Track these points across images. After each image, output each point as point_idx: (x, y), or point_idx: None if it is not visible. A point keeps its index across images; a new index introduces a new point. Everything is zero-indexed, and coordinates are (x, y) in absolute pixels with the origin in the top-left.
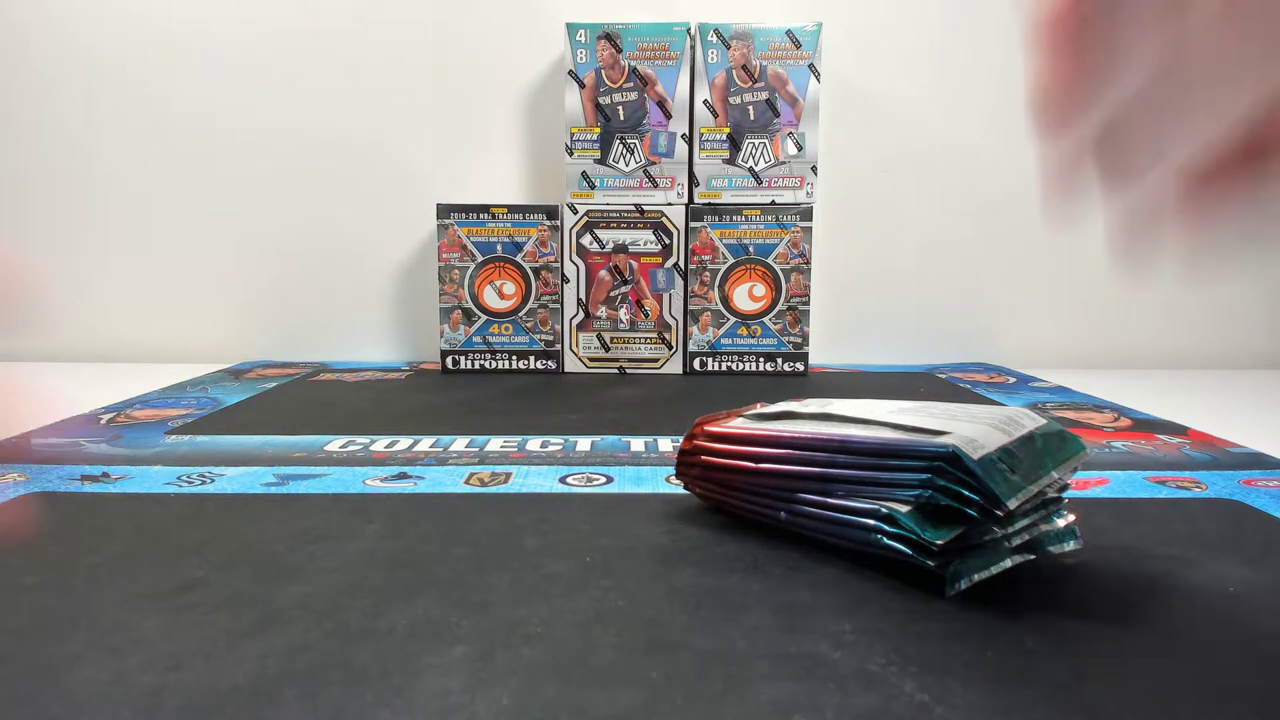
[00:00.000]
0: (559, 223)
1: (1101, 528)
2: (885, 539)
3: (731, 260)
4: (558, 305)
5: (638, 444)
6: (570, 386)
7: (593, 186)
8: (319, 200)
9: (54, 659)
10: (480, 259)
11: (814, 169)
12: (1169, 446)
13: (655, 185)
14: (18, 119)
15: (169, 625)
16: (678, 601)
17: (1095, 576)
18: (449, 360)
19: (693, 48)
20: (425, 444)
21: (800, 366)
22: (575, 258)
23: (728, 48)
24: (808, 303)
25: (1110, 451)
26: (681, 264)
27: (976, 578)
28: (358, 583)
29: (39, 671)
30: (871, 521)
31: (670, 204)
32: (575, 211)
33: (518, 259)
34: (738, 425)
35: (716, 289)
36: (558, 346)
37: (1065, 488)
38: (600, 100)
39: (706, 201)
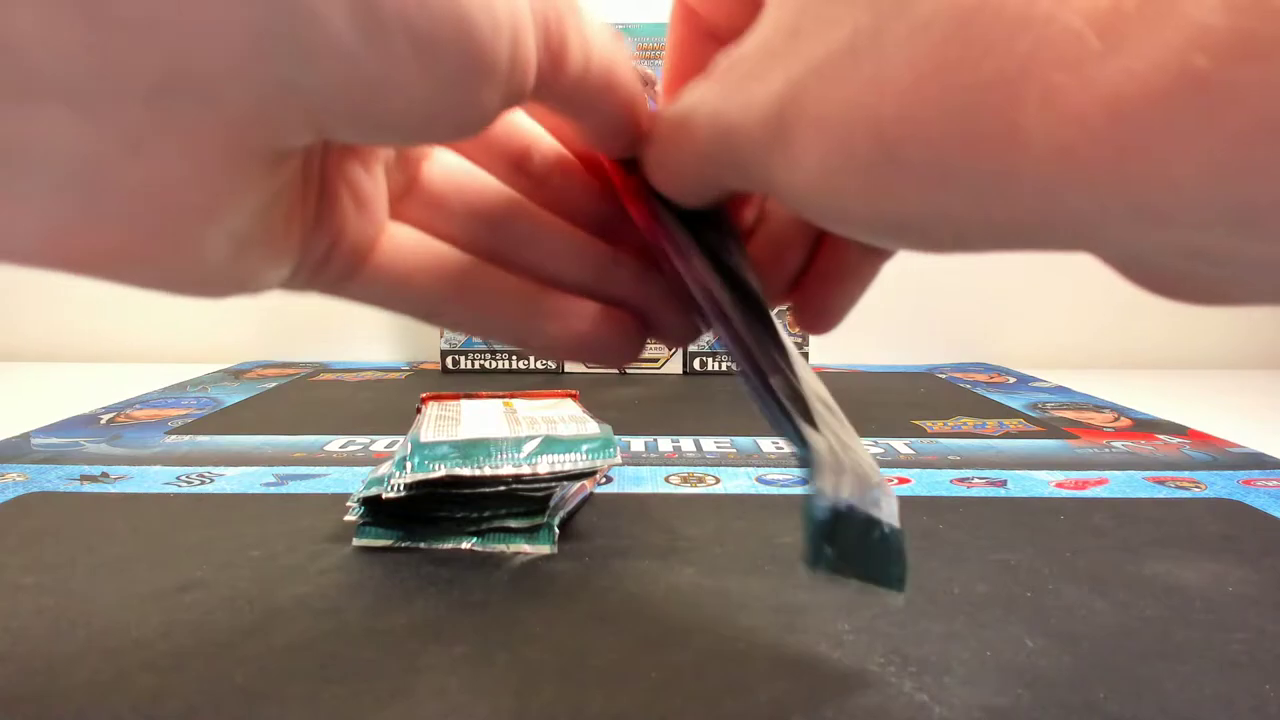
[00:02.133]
0: None
1: (1101, 528)
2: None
3: None
4: None
5: (638, 444)
6: (570, 386)
7: None
8: None
9: (54, 659)
10: None
11: None
12: (1169, 446)
13: None
14: None
15: (169, 625)
16: (676, 602)
17: (1095, 577)
18: (449, 360)
19: None
20: None
21: None
22: None
23: None
24: None
25: (1110, 451)
26: None
27: None
28: (358, 582)
29: (39, 671)
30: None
31: None
32: None
33: None
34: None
35: None
36: None
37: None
38: None
39: None
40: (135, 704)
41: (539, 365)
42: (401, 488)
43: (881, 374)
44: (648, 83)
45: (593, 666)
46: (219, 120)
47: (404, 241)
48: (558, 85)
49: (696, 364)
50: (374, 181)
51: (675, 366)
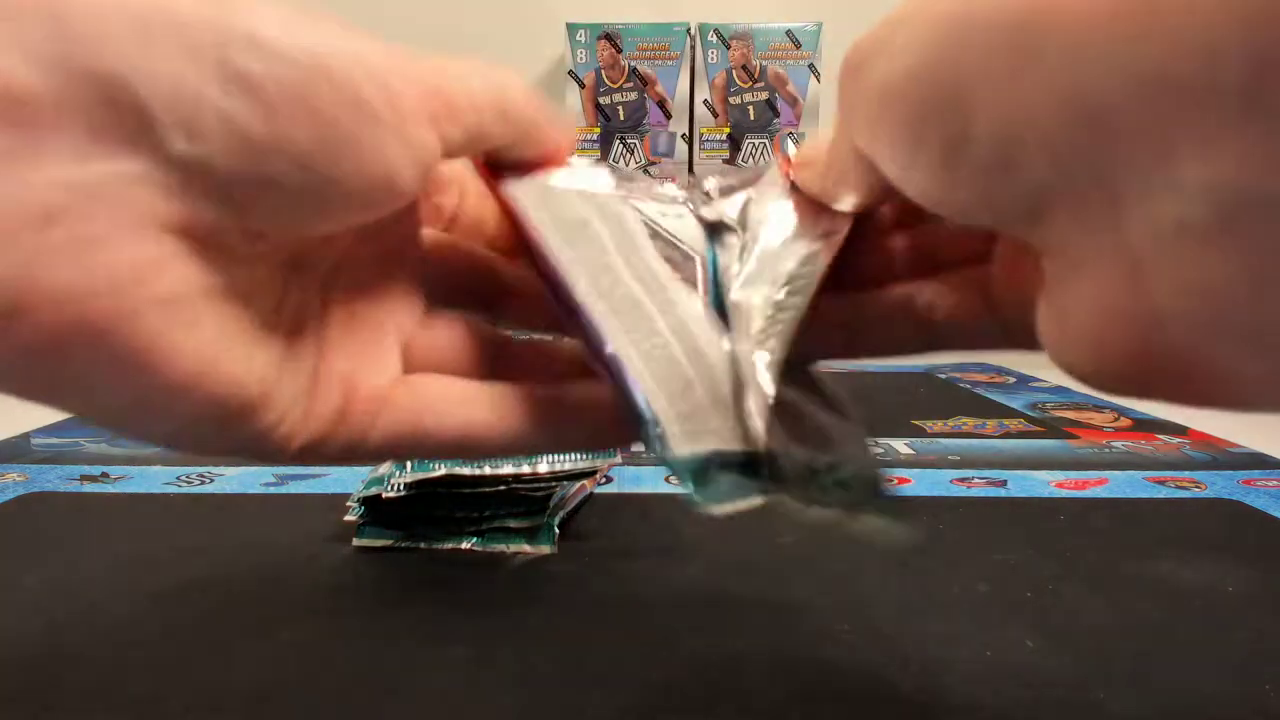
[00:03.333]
0: None
1: (1101, 528)
2: None
3: None
4: None
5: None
6: None
7: None
8: None
9: (54, 660)
10: None
11: None
12: (1169, 446)
13: None
14: None
15: (169, 625)
16: (676, 602)
17: (1095, 577)
18: None
19: (693, 48)
20: None
21: None
22: None
23: (728, 48)
24: None
25: (1110, 451)
26: None
27: None
28: (358, 582)
29: (39, 672)
30: None
31: None
32: None
33: None
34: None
35: None
36: None
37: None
38: (600, 100)
39: None
40: (135, 704)
41: None
42: (401, 487)
43: (881, 374)
44: (648, 82)
45: (593, 666)
46: (124, 186)
47: (423, 386)
48: (463, 120)
49: None
50: (378, 329)
51: None
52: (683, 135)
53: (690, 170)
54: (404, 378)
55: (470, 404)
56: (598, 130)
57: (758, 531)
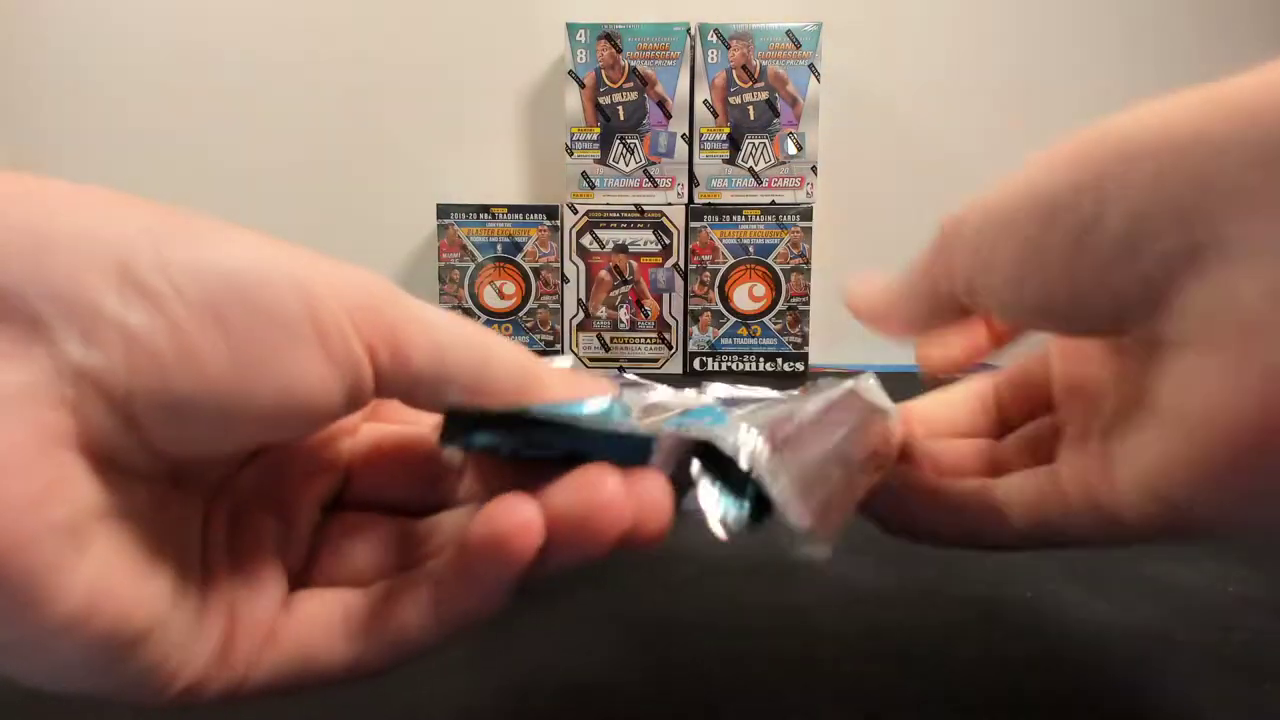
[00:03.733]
0: (559, 223)
1: None
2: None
3: (731, 260)
4: (558, 305)
5: None
6: None
7: (593, 186)
8: (319, 201)
9: None
10: (480, 259)
11: (814, 169)
12: None
13: (655, 185)
14: (12, 126)
15: None
16: (676, 602)
17: (1095, 577)
18: None
19: (693, 48)
20: None
21: (800, 366)
22: (575, 258)
23: (728, 48)
24: (808, 303)
25: None
26: (681, 264)
27: None
28: None
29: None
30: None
31: (670, 204)
32: (575, 211)
33: (518, 259)
34: None
35: (716, 289)
36: (558, 347)
37: None
38: (600, 100)
39: (706, 201)
40: (135, 705)
41: None
42: None
43: (881, 374)
44: (648, 82)
45: (593, 667)
46: (17, 399)
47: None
48: (410, 370)
49: (696, 364)
50: (267, 558)
51: (675, 366)
52: (683, 135)
53: (690, 169)
54: (289, 600)
55: (353, 623)
56: (598, 130)
57: (758, 532)
